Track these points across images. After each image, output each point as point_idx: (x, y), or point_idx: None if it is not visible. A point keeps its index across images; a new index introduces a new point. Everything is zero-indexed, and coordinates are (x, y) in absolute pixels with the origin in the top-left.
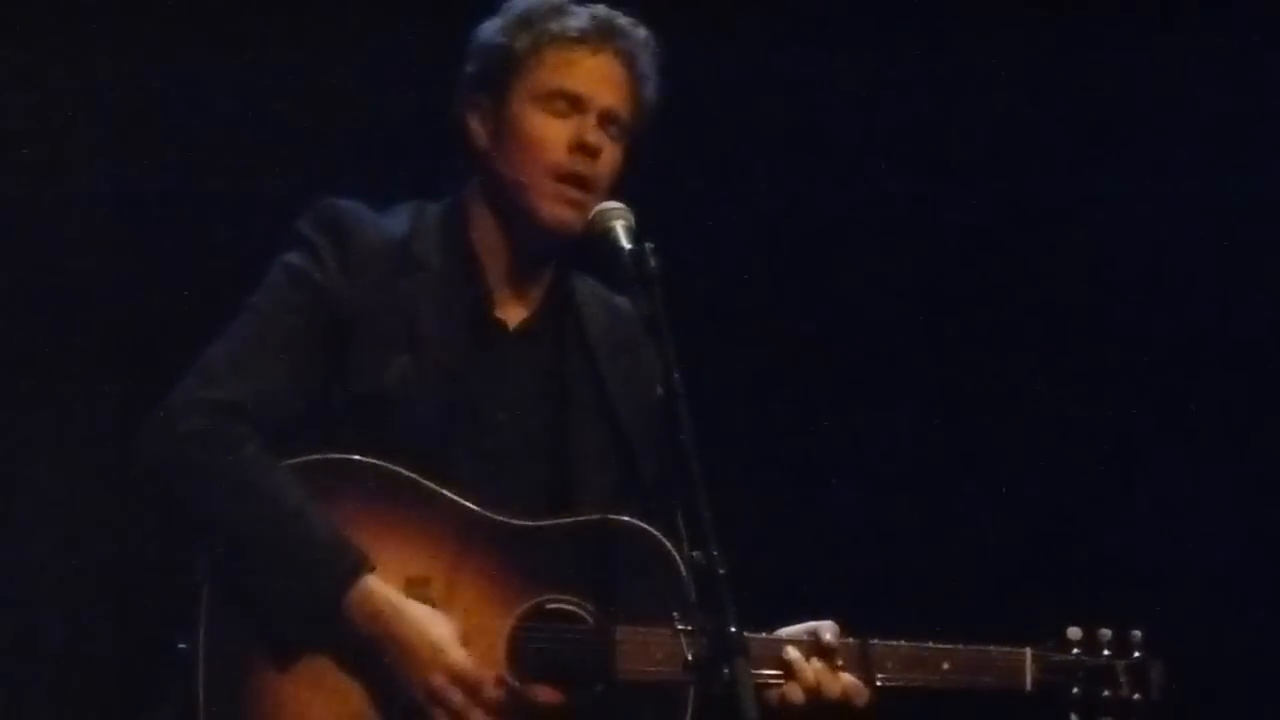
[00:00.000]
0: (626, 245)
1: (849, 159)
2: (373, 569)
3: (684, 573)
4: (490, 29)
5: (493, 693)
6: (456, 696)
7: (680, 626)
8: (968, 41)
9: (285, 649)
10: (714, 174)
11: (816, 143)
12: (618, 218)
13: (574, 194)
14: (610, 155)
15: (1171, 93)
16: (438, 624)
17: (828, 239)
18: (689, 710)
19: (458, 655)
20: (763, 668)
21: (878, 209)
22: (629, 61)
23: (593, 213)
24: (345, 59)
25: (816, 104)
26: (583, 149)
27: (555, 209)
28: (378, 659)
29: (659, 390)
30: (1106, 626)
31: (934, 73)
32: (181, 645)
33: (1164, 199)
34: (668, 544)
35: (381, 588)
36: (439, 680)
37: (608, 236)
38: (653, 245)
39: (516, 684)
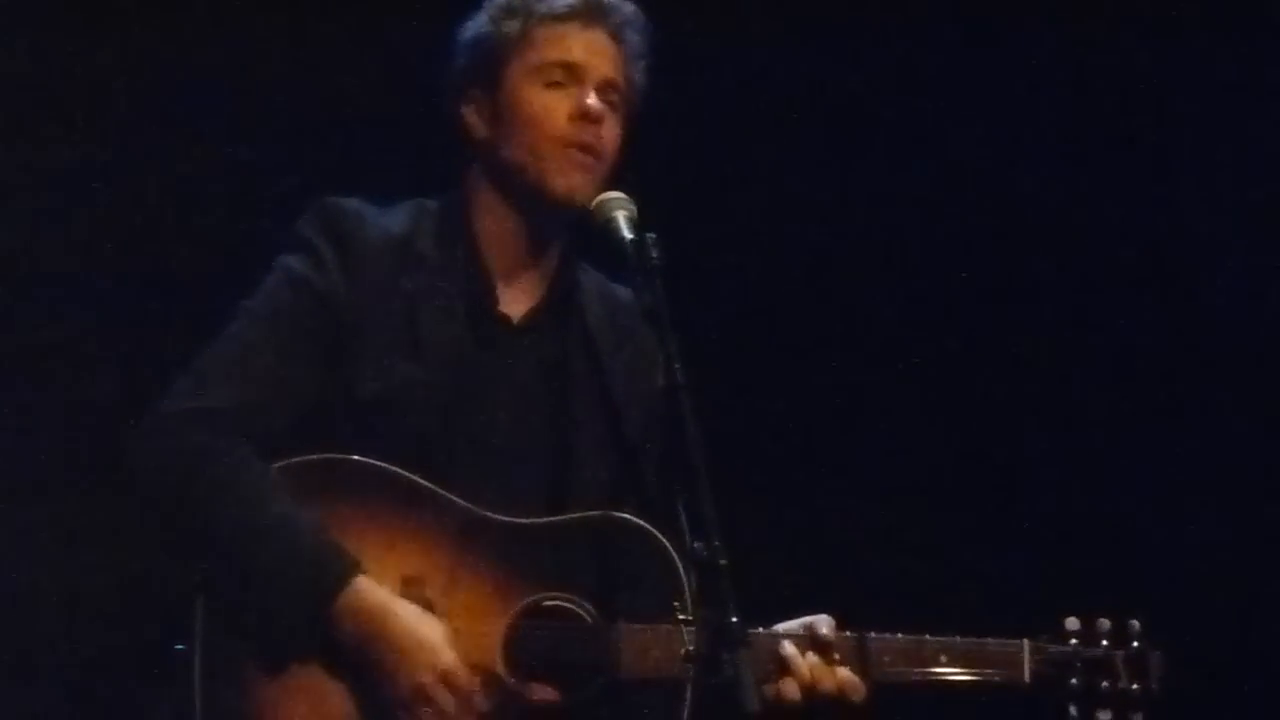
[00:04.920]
0: (628, 235)
1: (855, 153)
2: (363, 571)
3: (681, 569)
4: (475, 22)
5: (481, 692)
6: (444, 696)
7: (681, 617)
8: (975, 41)
9: (277, 657)
10: (718, 164)
11: (823, 137)
12: (619, 207)
13: (583, 158)
14: (611, 125)
15: (1178, 94)
16: (427, 624)
17: (832, 231)
18: (686, 707)
19: (447, 655)
20: (759, 662)
21: (883, 205)
22: (619, 37)
23: (594, 202)
24: (346, 57)
25: (825, 97)
26: (585, 116)
27: (566, 176)
28: (368, 660)
29: (660, 381)
30: (1105, 617)
31: (940, 71)
32: (179, 646)
33: (1166, 197)
34: (665, 541)
35: (372, 588)
36: (427, 678)
37: (609, 226)
38: (654, 235)
39: (513, 682)
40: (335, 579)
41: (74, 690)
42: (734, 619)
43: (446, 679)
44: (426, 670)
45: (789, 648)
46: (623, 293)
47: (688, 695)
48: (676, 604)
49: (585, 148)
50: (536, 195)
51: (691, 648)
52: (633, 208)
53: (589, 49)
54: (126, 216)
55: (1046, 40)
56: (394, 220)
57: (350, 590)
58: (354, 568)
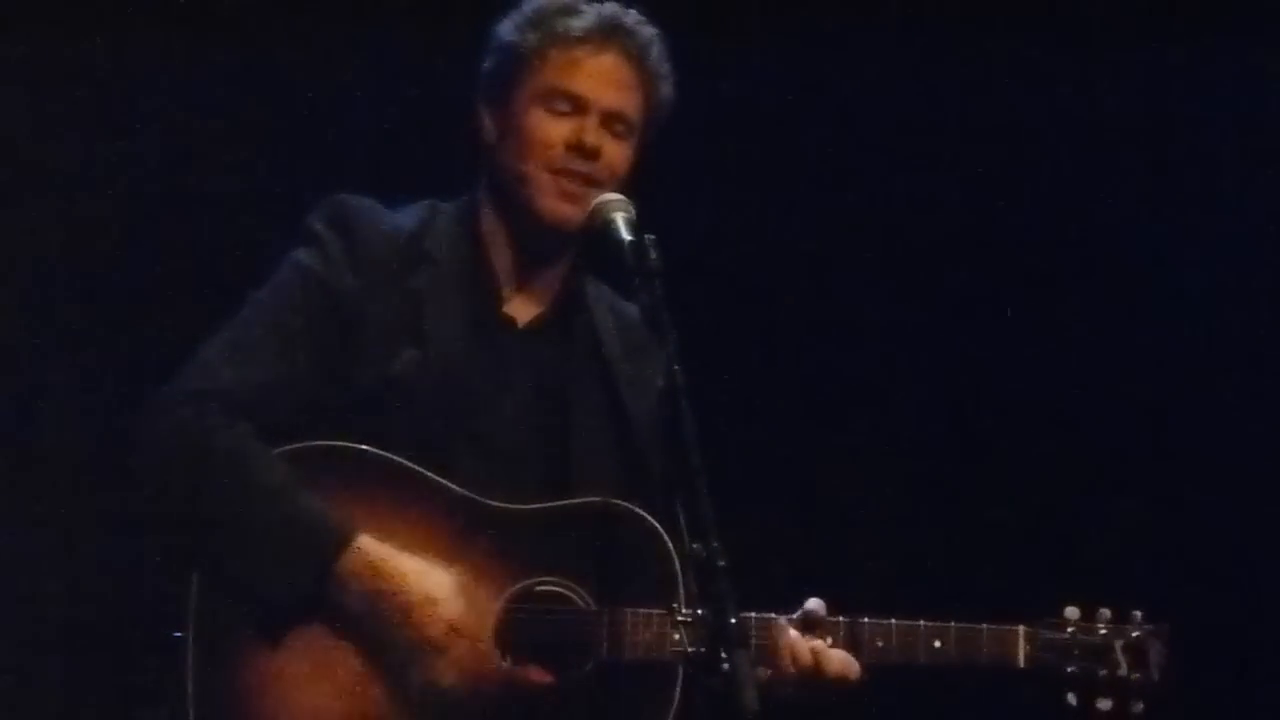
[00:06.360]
0: (627, 237)
1: (853, 153)
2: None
3: (674, 555)
4: (504, 27)
5: (489, 646)
6: (456, 647)
7: (680, 618)
8: (974, 40)
9: (274, 628)
10: (716, 166)
11: (821, 138)
12: (618, 209)
13: (572, 187)
14: (613, 154)
15: (1182, 95)
16: (434, 576)
17: (831, 231)
18: (677, 689)
19: (455, 606)
20: (754, 645)
21: (882, 202)
22: (635, 60)
23: (593, 204)
24: (354, 57)
25: (822, 97)
26: (580, 149)
27: (553, 203)
28: (376, 614)
29: (659, 382)
30: (1106, 606)
31: (937, 71)
32: (177, 634)
33: (1167, 198)
34: (659, 527)
35: (375, 545)
36: (435, 631)
37: (608, 228)
38: (653, 237)
39: (505, 663)
40: (339, 538)
41: (70, 682)
42: (732, 620)
43: (456, 629)
44: (435, 622)
45: (782, 629)
46: (632, 309)
47: (679, 678)
48: (674, 604)
49: (578, 177)
50: (526, 215)
51: (690, 648)
52: (631, 209)
53: (599, 78)
54: (133, 215)
55: (1050, 40)
56: (405, 218)
57: (354, 548)
58: (355, 529)
